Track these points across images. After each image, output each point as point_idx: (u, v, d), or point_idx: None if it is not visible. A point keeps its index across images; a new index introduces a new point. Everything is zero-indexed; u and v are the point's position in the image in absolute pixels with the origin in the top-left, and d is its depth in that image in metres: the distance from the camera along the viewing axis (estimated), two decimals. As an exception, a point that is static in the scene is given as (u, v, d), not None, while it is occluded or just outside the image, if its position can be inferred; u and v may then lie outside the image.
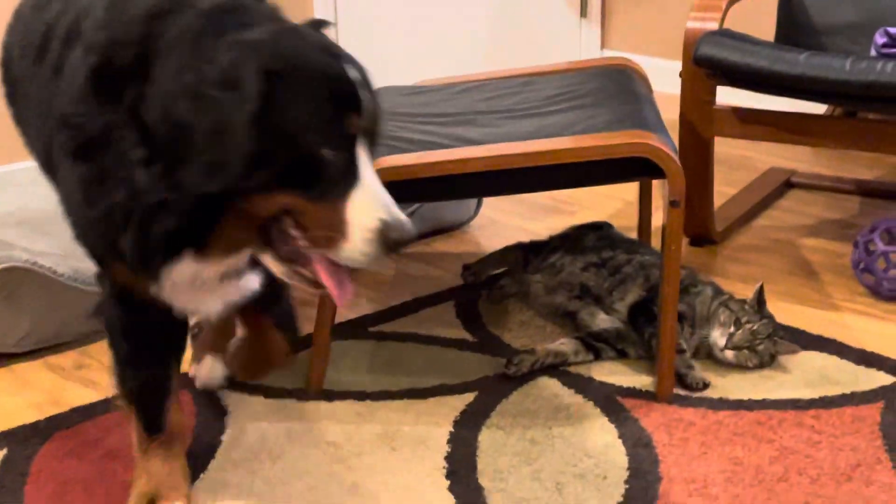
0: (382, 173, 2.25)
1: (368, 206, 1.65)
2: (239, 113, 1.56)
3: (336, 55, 1.69)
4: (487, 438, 2.20)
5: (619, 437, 2.20)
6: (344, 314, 2.65)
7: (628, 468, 2.10)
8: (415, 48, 4.35)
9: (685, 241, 3.11)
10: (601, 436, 2.20)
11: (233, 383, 2.41)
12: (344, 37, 4.08)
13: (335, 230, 1.64)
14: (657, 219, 3.02)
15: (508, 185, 2.40)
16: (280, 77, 1.59)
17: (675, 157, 2.23)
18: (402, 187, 2.31)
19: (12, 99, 2.09)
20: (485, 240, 3.20)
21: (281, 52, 1.62)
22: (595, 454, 2.14)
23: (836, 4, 3.27)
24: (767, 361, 2.43)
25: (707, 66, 2.86)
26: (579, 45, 4.70)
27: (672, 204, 2.23)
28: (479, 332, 2.63)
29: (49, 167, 1.87)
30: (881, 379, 2.39)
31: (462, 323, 2.67)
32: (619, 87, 2.67)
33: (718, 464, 2.11)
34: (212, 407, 2.34)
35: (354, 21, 4.21)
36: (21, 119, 2.07)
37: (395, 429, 2.24)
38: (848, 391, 2.34)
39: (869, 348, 2.52)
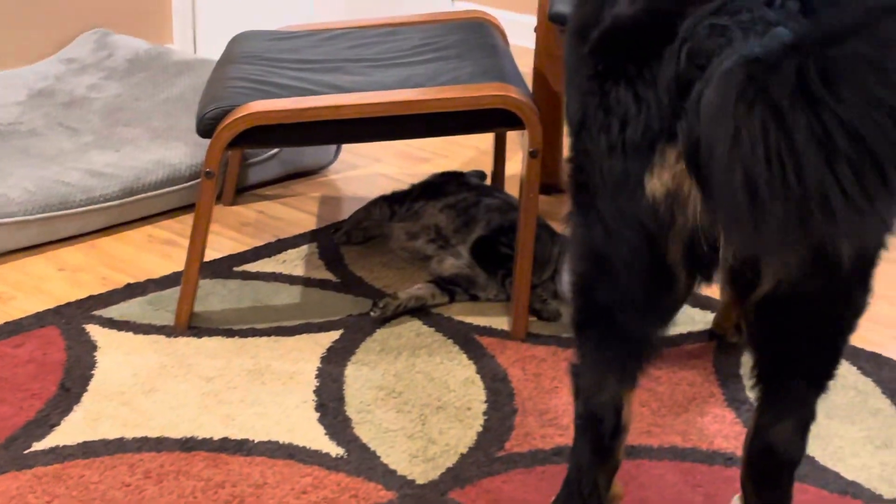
0: (254, 117, 2.35)
1: None
2: None
3: None
4: (353, 373, 2.32)
5: (478, 372, 2.34)
6: (208, 254, 2.71)
7: (486, 401, 2.24)
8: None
9: (535, 189, 3.26)
10: (461, 371, 2.34)
11: (102, 320, 2.46)
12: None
13: None
14: (510, 168, 3.17)
15: (375, 132, 2.50)
16: None
17: (535, 110, 2.37)
18: (273, 131, 2.40)
19: None
20: (343, 183, 3.29)
21: None
22: (456, 388, 2.28)
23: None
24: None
25: (561, 22, 3.00)
26: (431, -5, 4.79)
27: (531, 154, 2.37)
28: (343, 272, 2.73)
29: None
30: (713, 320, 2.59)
31: (325, 264, 2.77)
32: (478, 40, 2.79)
33: (569, 397, 2.26)
34: (81, 341, 2.38)
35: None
36: None
37: (264, 364, 2.33)
38: (685, 330, 2.54)
39: (702, 292, 2.72)
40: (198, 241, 2.41)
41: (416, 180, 3.04)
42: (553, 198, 3.27)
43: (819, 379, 1.72)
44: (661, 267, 1.59)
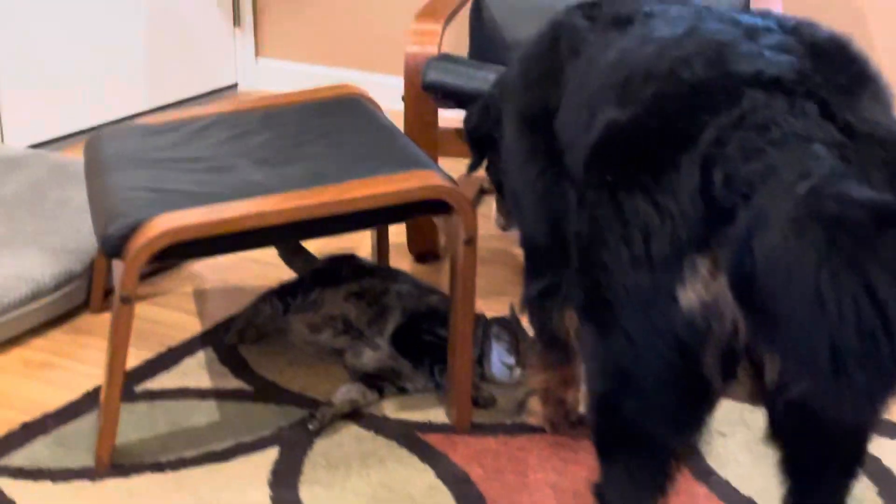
0: (174, 233, 2.15)
1: None
2: None
3: None
4: (309, 496, 2.16)
5: (438, 476, 2.22)
6: (95, 376, 2.48)
7: (459, 508, 2.14)
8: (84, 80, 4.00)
9: (410, 258, 3.18)
10: (420, 478, 2.22)
11: (10, 470, 2.20)
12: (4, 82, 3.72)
13: None
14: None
15: (298, 233, 2.37)
16: None
17: (465, 196, 2.29)
18: (191, 244, 2.21)
19: None
20: (210, 273, 3.10)
21: None
22: (422, 499, 2.16)
23: (526, 20, 3.43)
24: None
25: (435, 91, 2.92)
26: (234, 53, 4.62)
27: (466, 242, 2.28)
28: (252, 378, 2.55)
29: None
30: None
31: (230, 370, 2.58)
32: (365, 121, 2.67)
33: (539, 490, 2.19)
34: (-7, 501, 2.12)
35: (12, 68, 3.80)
36: None
37: (211, 499, 2.14)
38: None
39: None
40: (117, 372, 2.19)
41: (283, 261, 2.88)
42: (430, 265, 3.19)
43: (851, 466, 1.71)
44: (696, 377, 1.55)
